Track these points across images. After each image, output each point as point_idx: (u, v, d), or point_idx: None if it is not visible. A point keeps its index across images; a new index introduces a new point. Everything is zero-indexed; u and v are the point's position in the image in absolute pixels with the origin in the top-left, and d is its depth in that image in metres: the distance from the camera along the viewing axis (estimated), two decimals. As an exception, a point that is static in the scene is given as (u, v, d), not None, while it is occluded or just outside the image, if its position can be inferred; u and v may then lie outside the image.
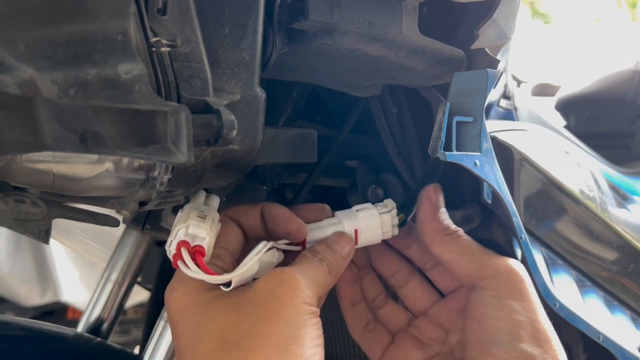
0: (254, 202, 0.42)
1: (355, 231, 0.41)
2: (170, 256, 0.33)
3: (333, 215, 0.43)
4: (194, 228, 0.33)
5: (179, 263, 0.33)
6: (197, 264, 0.32)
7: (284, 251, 0.39)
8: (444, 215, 0.42)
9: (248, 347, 0.30)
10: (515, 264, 0.40)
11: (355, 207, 0.43)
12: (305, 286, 0.33)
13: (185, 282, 0.34)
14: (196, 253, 0.33)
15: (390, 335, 0.44)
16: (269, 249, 0.36)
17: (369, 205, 0.43)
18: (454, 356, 0.41)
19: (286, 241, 0.39)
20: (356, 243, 0.41)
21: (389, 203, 0.44)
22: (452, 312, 0.43)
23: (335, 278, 0.38)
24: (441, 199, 0.43)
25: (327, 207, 0.43)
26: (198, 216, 0.34)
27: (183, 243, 0.33)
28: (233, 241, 0.37)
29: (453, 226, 0.42)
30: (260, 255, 0.35)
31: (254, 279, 0.35)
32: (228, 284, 0.34)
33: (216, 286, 0.34)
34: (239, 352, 0.30)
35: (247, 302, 0.32)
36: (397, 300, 0.47)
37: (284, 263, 0.38)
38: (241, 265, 0.34)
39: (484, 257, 0.40)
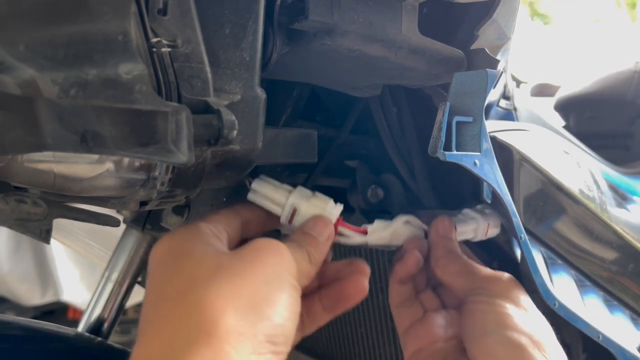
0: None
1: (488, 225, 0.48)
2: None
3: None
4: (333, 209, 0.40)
5: (341, 238, 0.40)
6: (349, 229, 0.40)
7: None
8: (449, 242, 0.45)
9: (219, 293, 0.28)
10: (507, 275, 0.42)
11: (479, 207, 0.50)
12: (292, 260, 0.34)
13: (172, 235, 0.34)
14: (341, 223, 0.40)
15: (422, 312, 0.45)
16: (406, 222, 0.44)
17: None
18: None
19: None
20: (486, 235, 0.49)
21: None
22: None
23: (316, 266, 0.37)
24: (447, 231, 0.45)
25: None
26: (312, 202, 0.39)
27: (338, 222, 0.40)
28: (234, 229, 0.37)
29: (455, 251, 0.44)
30: (398, 224, 0.43)
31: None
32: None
33: (206, 239, 0.33)
34: (202, 295, 0.28)
35: (231, 257, 0.32)
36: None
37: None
38: (384, 223, 0.42)
39: (477, 273, 0.42)
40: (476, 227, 0.47)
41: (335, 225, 0.39)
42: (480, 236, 0.48)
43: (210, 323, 0.27)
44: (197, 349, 0.26)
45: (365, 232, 0.41)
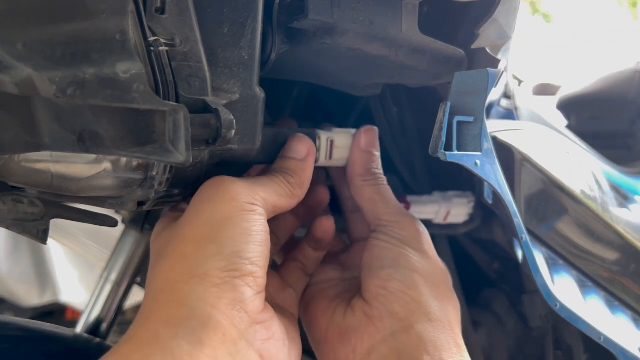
0: None
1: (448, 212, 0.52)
2: None
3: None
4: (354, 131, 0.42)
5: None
6: None
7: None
8: (370, 160, 0.42)
9: (168, 251, 0.32)
10: (413, 219, 0.41)
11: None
12: (233, 183, 0.32)
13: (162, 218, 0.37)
14: None
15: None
16: None
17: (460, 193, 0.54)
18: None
19: None
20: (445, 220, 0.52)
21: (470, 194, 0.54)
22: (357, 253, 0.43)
23: (299, 184, 0.37)
24: (371, 143, 0.43)
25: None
26: None
27: None
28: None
29: (375, 171, 0.42)
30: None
31: None
32: None
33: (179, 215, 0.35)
34: (163, 258, 0.32)
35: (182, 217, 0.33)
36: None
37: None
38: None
39: (392, 207, 0.41)
40: (437, 209, 0.51)
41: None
42: (439, 219, 0.52)
43: (179, 264, 0.31)
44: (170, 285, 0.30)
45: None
